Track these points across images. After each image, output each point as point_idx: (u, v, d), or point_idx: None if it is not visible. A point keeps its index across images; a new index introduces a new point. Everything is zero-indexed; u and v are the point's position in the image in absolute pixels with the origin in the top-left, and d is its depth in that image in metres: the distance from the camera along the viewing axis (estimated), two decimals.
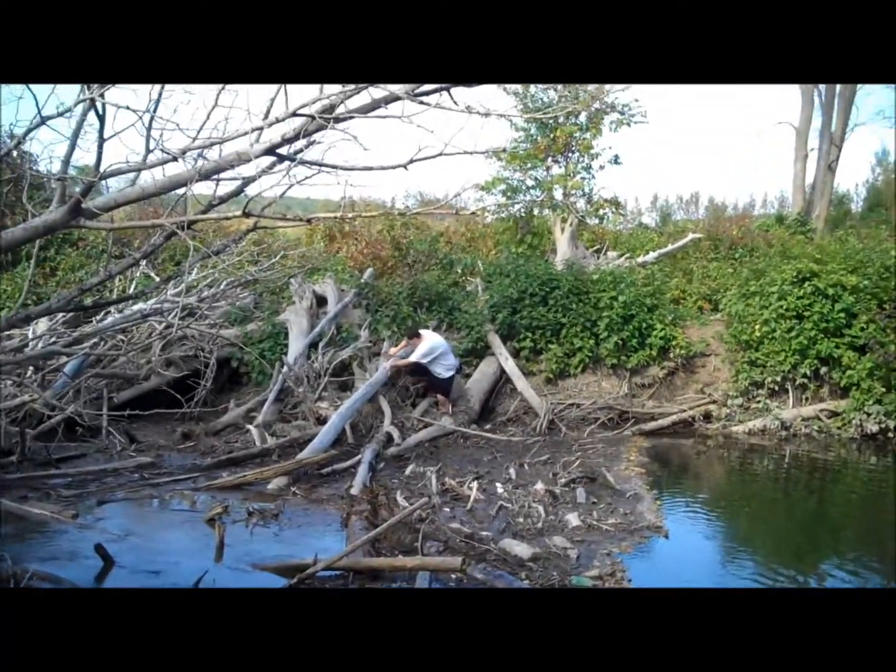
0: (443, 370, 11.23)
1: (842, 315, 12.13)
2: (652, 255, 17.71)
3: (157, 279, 13.69)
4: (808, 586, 4.43)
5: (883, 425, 11.59)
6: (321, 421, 10.14)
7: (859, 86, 29.53)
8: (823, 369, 12.29)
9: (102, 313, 12.27)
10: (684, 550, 7.19)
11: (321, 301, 13.93)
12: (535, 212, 20.62)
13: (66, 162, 6.45)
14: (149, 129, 6.23)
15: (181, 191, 6.75)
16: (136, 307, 11.99)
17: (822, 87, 29.07)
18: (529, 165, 20.35)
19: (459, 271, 16.38)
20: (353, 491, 7.66)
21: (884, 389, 11.67)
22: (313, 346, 12.17)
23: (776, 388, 12.56)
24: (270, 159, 6.80)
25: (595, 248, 18.57)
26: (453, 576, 5.69)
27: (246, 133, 6.39)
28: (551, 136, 19.71)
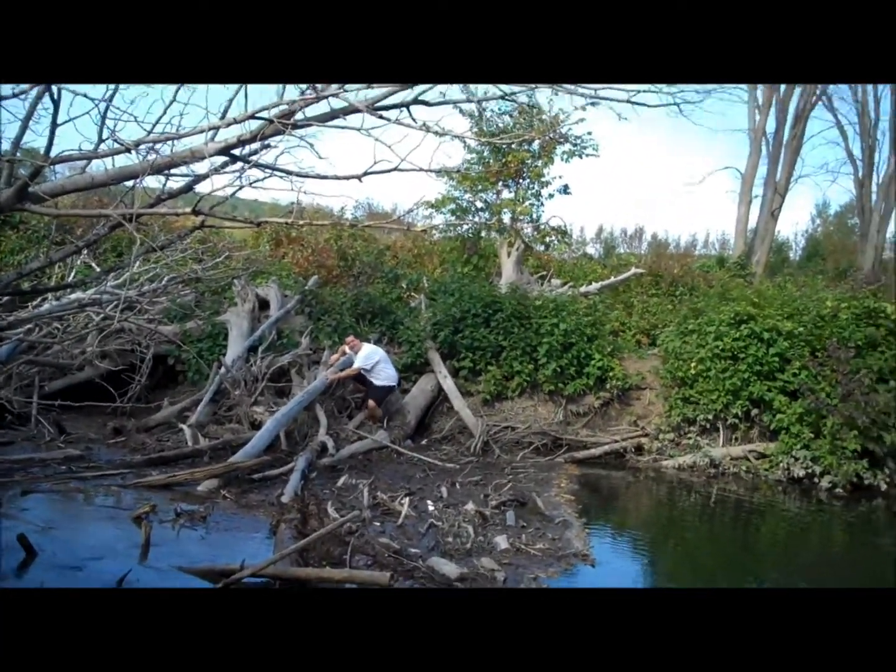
0: (382, 380, 11.26)
1: (776, 359, 12.39)
2: (595, 286, 17.89)
3: (98, 269, 13.49)
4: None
5: (809, 470, 11.82)
6: (256, 425, 10.08)
7: (805, 138, 30.30)
8: (755, 411, 12.52)
9: (39, 299, 12.05)
10: (609, 579, 7.24)
11: (263, 304, 13.85)
12: (483, 234, 20.73)
13: (16, 143, 6.36)
14: (103, 118, 6.18)
15: (130, 183, 6.70)
16: (73, 296, 11.78)
17: (770, 136, 29.77)
18: (480, 187, 20.44)
19: (404, 286, 16.42)
20: (284, 499, 7.62)
21: (812, 435, 11.91)
22: (252, 349, 12.09)
23: (707, 425, 12.76)
24: (224, 159, 6.78)
25: (539, 274, 18.71)
26: None
27: (202, 131, 6.37)
28: (503, 160, 19.85)
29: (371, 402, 11.28)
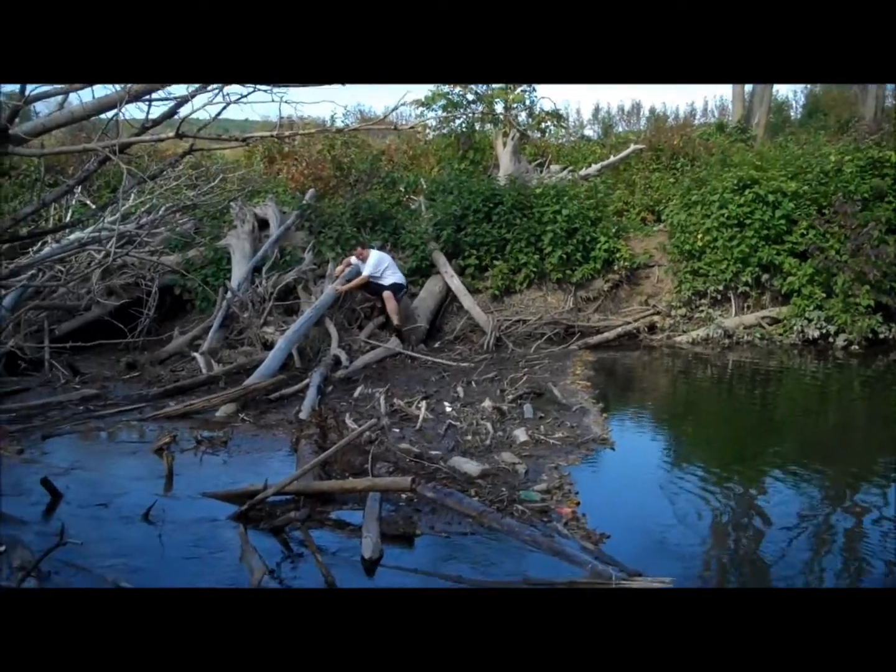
0: (395, 279, 11.25)
1: (782, 222, 12.26)
2: (594, 168, 17.62)
3: (94, 207, 13.38)
4: (811, 587, 4.51)
5: (824, 330, 11.82)
6: (267, 346, 10.10)
7: None
8: (765, 277, 12.45)
9: (39, 244, 11.98)
10: (631, 461, 7.32)
11: (263, 224, 13.75)
12: (477, 127, 20.38)
13: None
14: None
15: (112, 113, 6.55)
16: (73, 236, 11.71)
17: None
18: None
19: (402, 190, 16.22)
20: (302, 415, 7.67)
21: (824, 295, 11.87)
22: (257, 270, 12.04)
23: (719, 297, 12.74)
24: None
25: (538, 161, 18.43)
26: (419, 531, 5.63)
27: None
28: None
29: (388, 296, 11.21)
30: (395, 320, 11.17)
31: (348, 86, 6.24)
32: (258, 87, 6.59)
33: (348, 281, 11.38)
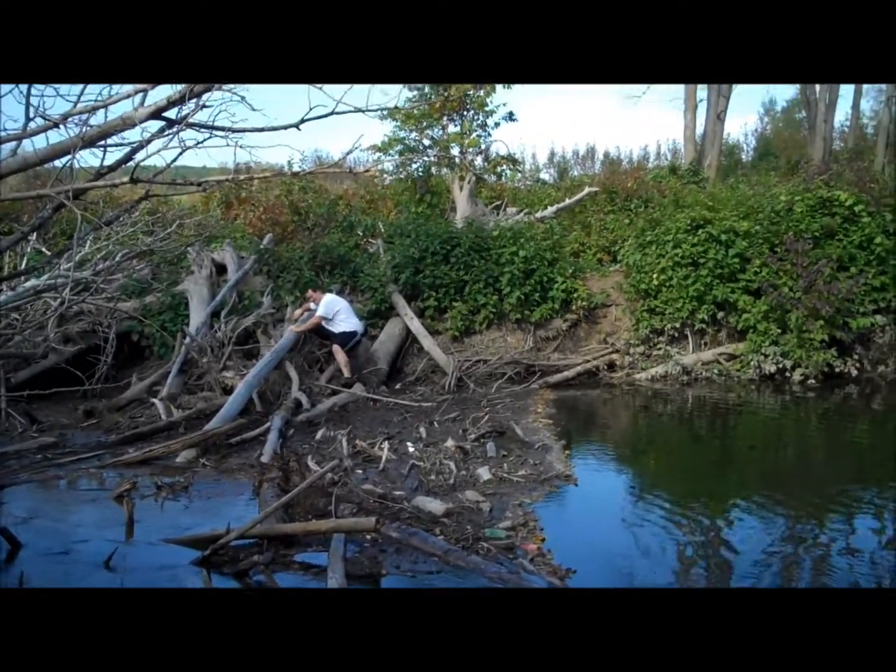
0: (346, 327, 11.20)
1: (736, 260, 12.50)
2: (550, 210, 17.82)
3: (49, 254, 13.27)
4: (813, 587, 4.54)
5: (780, 365, 11.99)
6: (227, 391, 10.02)
7: None
8: (720, 314, 12.66)
9: None
10: (594, 496, 7.34)
11: (221, 269, 13.71)
12: (433, 171, 20.57)
13: None
14: (27, 95, 5.99)
15: (66, 159, 6.53)
16: (28, 284, 11.58)
17: None
18: (425, 125, 20.24)
19: (360, 233, 16.28)
20: (264, 459, 7.60)
21: (779, 331, 12.06)
22: (215, 315, 11.97)
23: (676, 334, 12.89)
24: (159, 124, 6.62)
25: (494, 204, 18.62)
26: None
27: (129, 95, 6.20)
28: (445, 94, 19.61)
29: (336, 349, 11.18)
30: (346, 373, 11.12)
31: (305, 131, 6.23)
32: (214, 133, 6.63)
33: (303, 323, 11.37)
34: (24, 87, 5.95)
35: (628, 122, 72.14)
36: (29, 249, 13.59)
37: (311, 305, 11.57)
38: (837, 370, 11.97)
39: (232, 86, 6.39)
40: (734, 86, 29.36)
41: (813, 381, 11.80)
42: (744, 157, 38.94)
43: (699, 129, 29.15)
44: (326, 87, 5.94)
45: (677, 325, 12.75)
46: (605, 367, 12.79)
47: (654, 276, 12.77)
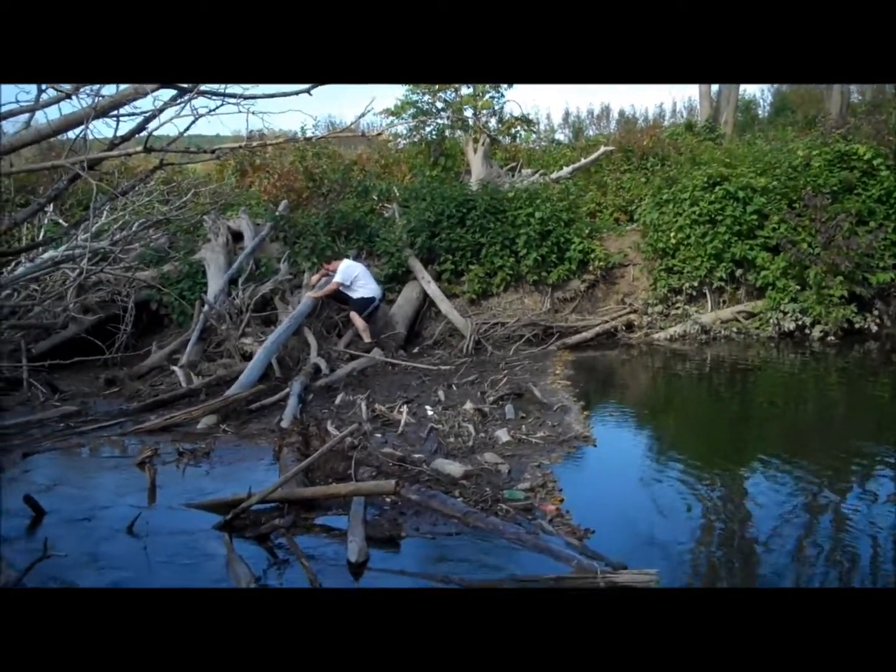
0: (360, 293, 11.21)
1: (753, 217, 12.39)
2: (566, 170, 17.68)
3: (66, 225, 13.32)
4: (812, 586, 4.54)
5: (799, 322, 11.92)
6: (246, 357, 10.07)
7: None
8: (739, 271, 12.58)
9: (13, 264, 11.91)
10: (613, 457, 7.37)
11: (237, 237, 13.70)
12: (447, 133, 20.44)
13: None
14: None
15: (79, 130, 6.53)
16: (46, 255, 11.66)
17: None
18: (438, 88, 20.10)
19: (375, 198, 16.20)
20: (284, 424, 7.65)
21: (798, 287, 11.98)
22: (233, 282, 12.00)
23: (694, 293, 12.83)
24: (171, 93, 6.61)
25: (509, 166, 18.49)
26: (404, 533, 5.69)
27: None
28: None
29: (353, 315, 11.21)
30: (365, 338, 11.16)
31: (318, 97, 6.20)
32: (226, 100, 6.62)
33: (321, 289, 11.39)
34: None
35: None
36: (46, 221, 13.66)
37: (329, 273, 11.56)
38: (857, 326, 11.89)
39: None
40: None
41: (832, 337, 11.74)
42: (760, 112, 38.44)
43: (715, 86, 28.80)
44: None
45: (695, 283, 12.68)
46: (623, 328, 12.75)
47: (672, 234, 12.69)
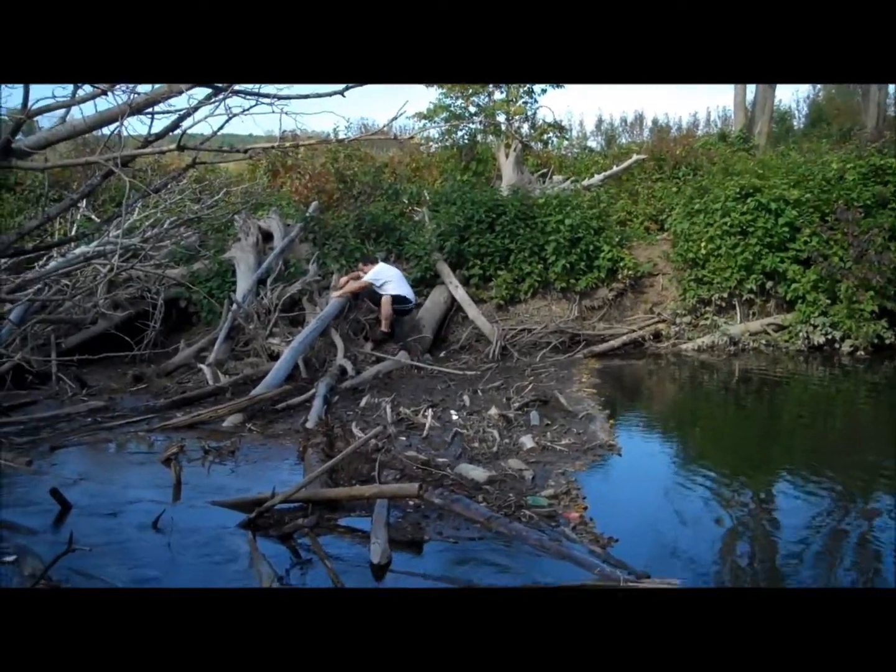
0: (400, 291, 11.26)
1: (785, 229, 12.29)
2: (597, 178, 17.65)
3: (98, 221, 13.42)
4: (812, 586, 4.50)
5: (829, 336, 11.82)
6: (273, 357, 10.11)
7: None
8: (769, 284, 12.48)
9: (45, 258, 12.02)
10: (638, 466, 7.33)
11: (267, 237, 13.76)
12: (479, 138, 20.46)
13: None
14: None
15: (114, 127, 6.57)
16: (78, 251, 11.74)
17: None
18: (471, 92, 20.12)
19: (406, 201, 16.24)
20: (309, 424, 7.66)
21: (829, 301, 11.88)
22: (262, 282, 12.04)
23: (723, 304, 12.75)
24: (205, 91, 6.64)
25: (540, 172, 18.48)
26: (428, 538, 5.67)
27: None
28: None
29: (385, 300, 11.19)
30: (384, 326, 11.19)
31: (351, 99, 6.20)
32: (260, 99, 6.64)
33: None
34: None
35: (677, 88, 70.96)
36: (78, 216, 13.76)
37: (361, 275, 11.59)
38: (888, 342, 11.77)
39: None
40: None
41: (862, 352, 11.63)
42: (795, 124, 38.19)
43: (750, 96, 28.61)
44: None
45: (725, 294, 12.60)
46: (651, 337, 12.69)
47: (702, 244, 12.62)
